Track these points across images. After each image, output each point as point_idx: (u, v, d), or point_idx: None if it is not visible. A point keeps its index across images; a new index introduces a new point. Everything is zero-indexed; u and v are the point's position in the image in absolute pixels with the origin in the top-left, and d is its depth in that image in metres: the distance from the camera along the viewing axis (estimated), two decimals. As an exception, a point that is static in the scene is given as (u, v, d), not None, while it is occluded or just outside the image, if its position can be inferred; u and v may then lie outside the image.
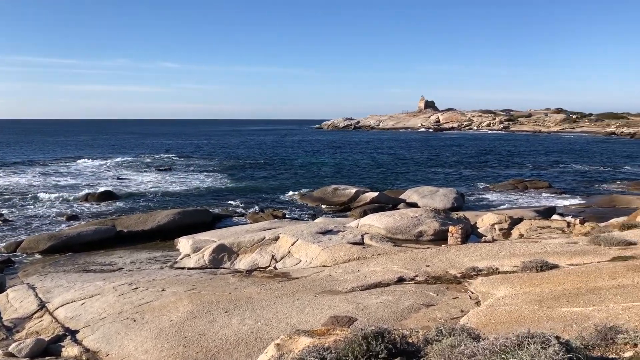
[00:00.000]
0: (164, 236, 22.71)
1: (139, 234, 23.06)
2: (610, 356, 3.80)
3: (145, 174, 50.94)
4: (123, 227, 23.49)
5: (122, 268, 17.32)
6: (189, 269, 16.50)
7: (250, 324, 9.41)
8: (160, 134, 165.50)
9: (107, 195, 34.90)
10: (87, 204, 32.87)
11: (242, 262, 17.16)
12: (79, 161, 63.06)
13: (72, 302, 12.11)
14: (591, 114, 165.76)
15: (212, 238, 19.41)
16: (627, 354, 3.82)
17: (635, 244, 13.14)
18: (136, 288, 12.72)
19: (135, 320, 10.22)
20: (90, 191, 36.57)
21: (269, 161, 64.86)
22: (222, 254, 17.62)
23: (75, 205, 32.59)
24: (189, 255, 18.21)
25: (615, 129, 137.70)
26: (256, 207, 32.09)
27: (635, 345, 4.09)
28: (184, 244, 19.50)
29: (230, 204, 33.91)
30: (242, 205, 33.45)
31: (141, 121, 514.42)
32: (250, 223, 25.11)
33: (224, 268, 16.57)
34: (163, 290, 12.35)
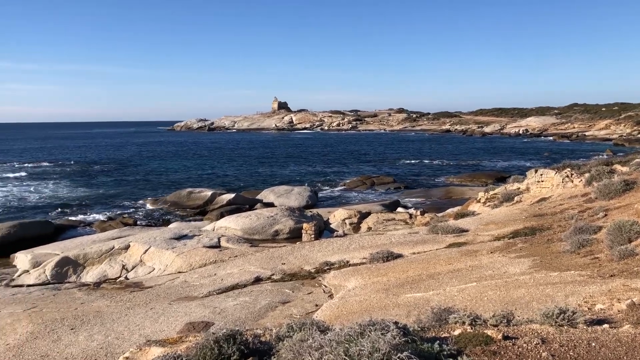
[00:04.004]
0: (-2, 252, 20.56)
1: (-34, 251, 20.62)
2: (443, 335, 4.19)
3: (-28, 184, 45.59)
4: (-54, 245, 20.85)
5: (-55, 291, 15.35)
6: (29, 286, 15.11)
7: (100, 339, 8.89)
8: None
9: None
10: None
11: (90, 275, 16.13)
12: None
13: None
14: (429, 113, 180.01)
15: (55, 251, 17.99)
16: (457, 332, 4.24)
17: (467, 231, 14.57)
18: (-37, 312, 11.37)
19: (-37, 349, 9.14)
20: None
21: (118, 166, 61.41)
22: (67, 268, 16.40)
23: None
24: (28, 271, 16.69)
25: (450, 126, 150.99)
26: (104, 215, 30.29)
27: (464, 323, 4.56)
28: (21, 259, 17.83)
29: (76, 213, 31.63)
30: (89, 213, 31.37)
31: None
32: (98, 232, 23.65)
33: (69, 282, 15.44)
34: (-3, 312, 11.19)
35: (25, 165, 62.91)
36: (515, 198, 19.36)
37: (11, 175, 51.95)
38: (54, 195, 38.99)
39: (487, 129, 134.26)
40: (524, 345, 3.86)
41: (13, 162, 67.27)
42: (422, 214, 21.74)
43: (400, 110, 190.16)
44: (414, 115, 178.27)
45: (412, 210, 23.84)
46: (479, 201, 21.83)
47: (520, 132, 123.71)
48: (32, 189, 42.37)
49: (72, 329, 9.49)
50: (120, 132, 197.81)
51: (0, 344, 9.12)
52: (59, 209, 32.72)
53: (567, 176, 18.74)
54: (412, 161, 63.79)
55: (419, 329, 4.44)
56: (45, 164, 64.56)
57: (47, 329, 9.58)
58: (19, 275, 16.59)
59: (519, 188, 20.89)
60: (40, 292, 13.39)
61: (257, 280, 12.24)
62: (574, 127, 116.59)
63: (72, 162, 66.03)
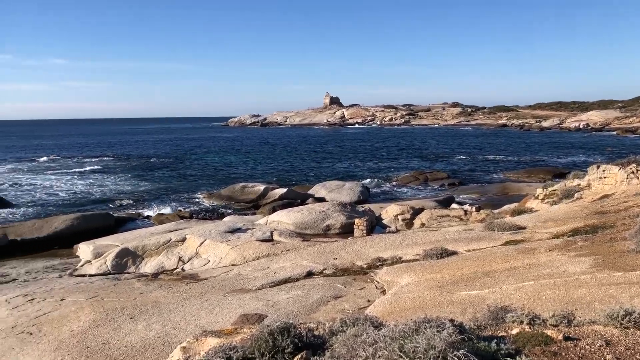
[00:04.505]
0: (62, 243, 21.50)
1: (34, 241, 21.67)
2: (500, 334, 4.09)
3: (40, 177, 47.87)
4: (16, 235, 21.97)
5: (15, 279, 16.22)
6: (91, 275, 15.75)
7: (157, 328, 9.16)
8: (52, 134, 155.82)
9: (-3, 202, 32.42)
10: (-27, 213, 30.35)
11: (148, 266, 16.64)
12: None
13: (-42, 319, 11.17)
14: (484, 107, 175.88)
15: (115, 242, 18.65)
16: (514, 331, 4.13)
17: (524, 228, 14.16)
18: (32, 299, 11.97)
19: (31, 334, 9.62)
20: (-24, 198, 33.74)
21: (173, 160, 63.09)
22: (126, 259, 16.98)
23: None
24: (90, 261, 17.39)
25: (506, 120, 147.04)
26: (161, 208, 31.18)
27: (522, 322, 4.43)
28: (84, 250, 18.58)
29: (134, 205, 32.71)
30: (147, 206, 32.36)
31: (27, 122, 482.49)
32: (156, 225, 24.37)
33: (128, 273, 15.99)
34: (62, 299, 11.71)
35: (88, 159, 65.54)
36: (576, 195, 18.67)
37: (75, 170, 54.21)
38: (114, 188, 40.45)
39: (545, 124, 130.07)
40: (587, 347, 3.71)
41: (75, 157, 70.21)
42: (478, 210, 21.30)
43: (455, 104, 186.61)
44: (469, 110, 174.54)
45: (467, 207, 23.40)
46: (536, 198, 21.18)
47: (581, 126, 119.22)
48: (93, 182, 44.10)
49: (131, 318, 9.82)
50: (175, 128, 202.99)
51: (65, 330, 9.55)
52: (119, 202, 33.92)
53: (632, 172, 17.91)
54: (467, 156, 62.55)
55: (475, 327, 4.35)
56: (105, 158, 67.08)
57: (108, 317, 9.95)
58: (81, 265, 17.30)
59: (579, 184, 20.14)
60: (101, 281, 13.94)
61: (309, 274, 12.30)
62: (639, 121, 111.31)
63: (130, 157, 68.34)
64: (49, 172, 51.94)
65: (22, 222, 25.04)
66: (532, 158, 59.23)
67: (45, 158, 67.55)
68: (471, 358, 3.09)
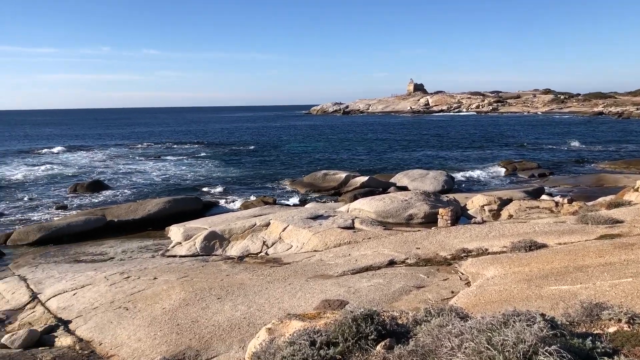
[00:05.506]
0: (155, 225, 22.65)
1: (130, 223, 22.98)
2: (595, 332, 3.88)
3: (135, 162, 50.68)
4: (113, 216, 23.40)
5: (113, 257, 17.28)
6: (181, 256, 16.50)
7: (243, 309, 9.46)
8: (145, 122, 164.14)
9: (97, 185, 34.68)
10: (77, 194, 32.68)
11: (234, 249, 17.19)
12: (54, 150, 62.51)
13: (63, 292, 12.11)
14: (579, 94, 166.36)
15: (203, 225, 19.39)
16: (611, 329, 3.90)
17: (621, 222, 13.31)
18: (128, 277, 12.74)
19: (127, 309, 10.25)
20: (79, 181, 36.29)
21: (258, 147, 64.65)
22: (214, 241, 17.63)
23: (64, 196, 32.41)
24: (180, 243, 18.20)
25: (603, 108, 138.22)
26: (247, 194, 32.08)
27: (620, 320, 4.17)
28: (175, 232, 19.48)
29: (221, 191, 33.87)
30: (233, 192, 33.42)
31: (123, 110, 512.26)
32: (241, 210, 25.10)
33: (215, 255, 16.60)
34: (155, 278, 12.38)
35: (179, 146, 68.57)
36: (682, 188, 17.30)
37: (168, 156, 56.87)
38: (203, 174, 42.07)
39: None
40: (695, 350, 3.44)
41: (168, 143, 73.63)
42: (570, 202, 20.25)
43: (547, 91, 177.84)
44: (562, 97, 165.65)
45: (558, 198, 22.31)
46: (636, 190, 19.80)
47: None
48: (184, 168, 46.10)
49: (218, 298, 10.22)
50: (260, 116, 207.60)
51: (158, 307, 10.10)
52: (207, 187, 35.24)
53: None
54: (559, 146, 59.51)
55: (567, 323, 4.15)
56: (196, 145, 69.86)
57: (196, 297, 10.41)
58: (172, 247, 18.14)
59: (686, 176, 18.62)
60: (190, 262, 14.59)
61: (391, 263, 12.23)
62: None
63: (218, 144, 70.77)
64: (144, 158, 54.83)
65: (119, 205, 26.58)
66: (631, 148, 55.43)
67: (141, 145, 71.37)
68: (564, 354, 2.95)
